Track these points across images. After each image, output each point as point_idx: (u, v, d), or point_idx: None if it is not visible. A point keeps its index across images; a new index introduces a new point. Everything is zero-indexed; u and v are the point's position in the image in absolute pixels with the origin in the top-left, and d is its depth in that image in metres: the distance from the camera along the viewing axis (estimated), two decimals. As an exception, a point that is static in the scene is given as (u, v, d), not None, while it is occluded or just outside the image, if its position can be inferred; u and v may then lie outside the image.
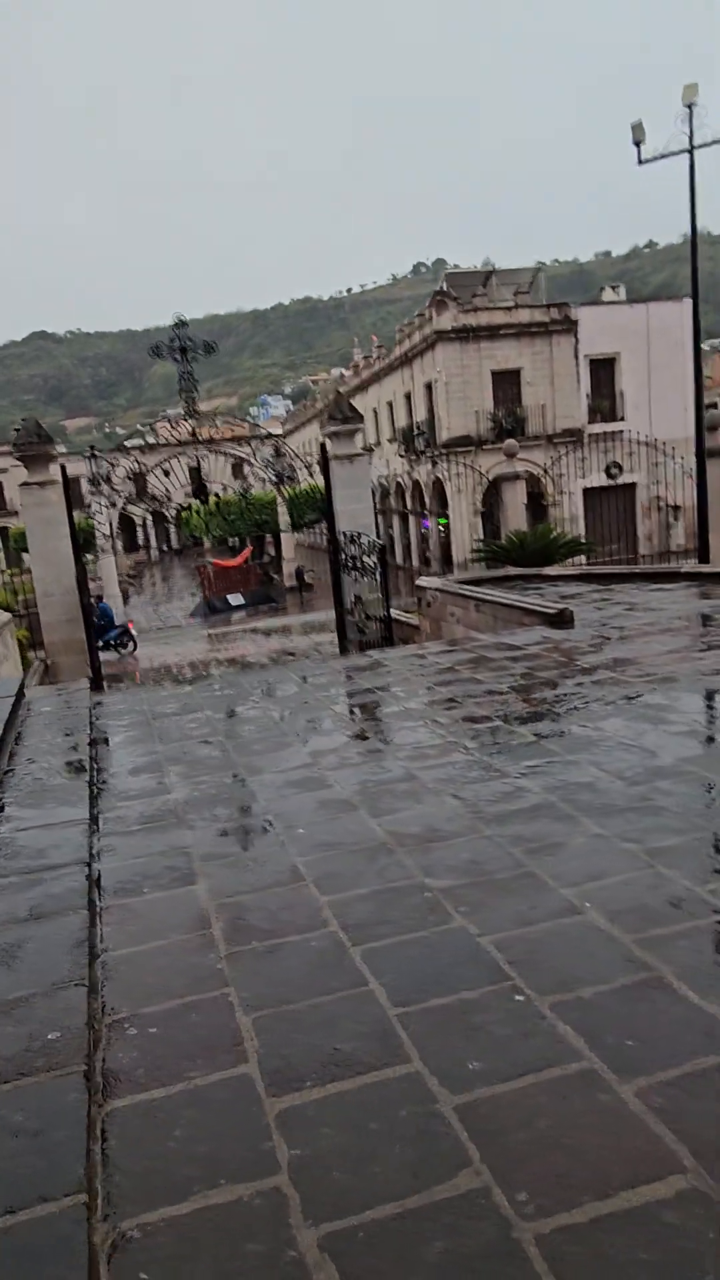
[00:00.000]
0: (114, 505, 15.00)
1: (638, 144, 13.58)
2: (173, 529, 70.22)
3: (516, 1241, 1.81)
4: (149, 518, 68.16)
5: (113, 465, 13.23)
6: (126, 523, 69.91)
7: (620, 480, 31.96)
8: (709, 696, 5.95)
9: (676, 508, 31.56)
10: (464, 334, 30.48)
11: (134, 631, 22.36)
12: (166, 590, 46.86)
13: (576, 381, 32.05)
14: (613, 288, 38.17)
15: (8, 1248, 1.82)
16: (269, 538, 43.03)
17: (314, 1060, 2.45)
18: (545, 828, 3.92)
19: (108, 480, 15.10)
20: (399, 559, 40.45)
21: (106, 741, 6.23)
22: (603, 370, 32.48)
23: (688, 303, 25.81)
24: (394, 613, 15.12)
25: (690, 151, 13.15)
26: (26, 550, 13.40)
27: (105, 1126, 2.25)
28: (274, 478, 16.33)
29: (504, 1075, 2.32)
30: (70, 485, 13.46)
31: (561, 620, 9.16)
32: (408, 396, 36.21)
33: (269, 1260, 1.81)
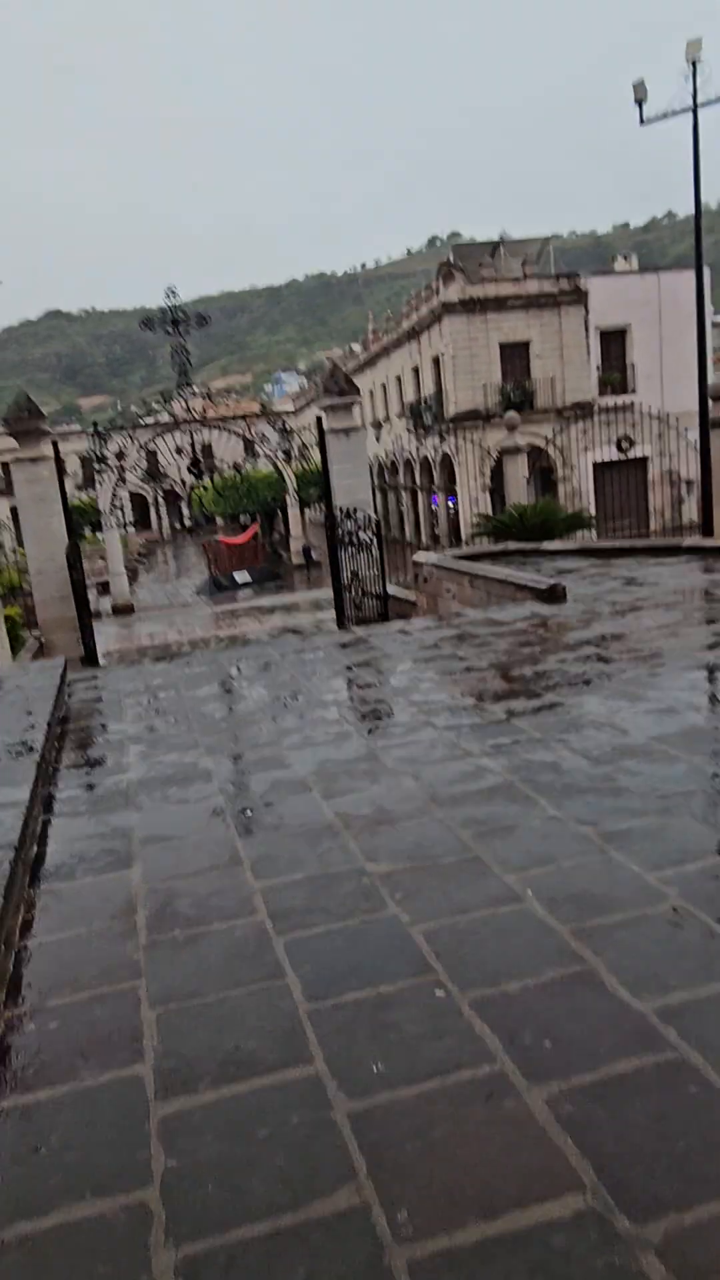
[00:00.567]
0: (124, 482, 14.81)
1: (639, 103, 13.12)
2: (185, 507, 70.02)
3: (387, 1269, 1.65)
4: (161, 496, 68.00)
5: (105, 441, 13.01)
6: (139, 501, 69.81)
7: (631, 454, 31.43)
8: (692, 673, 5.73)
9: (689, 482, 31.03)
10: (471, 306, 29.91)
11: None
12: (177, 568, 46.75)
13: (586, 354, 31.43)
14: (624, 257, 37.34)
15: None
16: (279, 515, 42.77)
17: (212, 1060, 2.30)
18: (500, 809, 3.74)
19: (119, 457, 14.89)
20: (409, 535, 40.11)
21: (71, 720, 6.09)
22: (613, 342, 31.84)
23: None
24: (392, 589, 14.93)
25: (694, 110, 12.68)
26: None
27: (-21, 1131, 2.11)
28: (281, 454, 16.12)
29: (407, 1079, 2.16)
30: (85, 463, 13.31)
31: (553, 595, 8.93)
32: (416, 371, 35.69)
33: (118, 1285, 1.67)
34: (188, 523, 70.43)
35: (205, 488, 45.74)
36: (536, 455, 30.93)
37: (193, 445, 13.55)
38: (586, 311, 31.03)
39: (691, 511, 31.00)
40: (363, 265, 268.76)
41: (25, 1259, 1.75)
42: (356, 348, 50.81)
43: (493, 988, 2.49)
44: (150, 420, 15.15)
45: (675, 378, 31.33)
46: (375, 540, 13.18)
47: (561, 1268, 1.62)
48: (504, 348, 30.67)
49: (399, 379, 38.64)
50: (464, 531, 30.22)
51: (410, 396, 36.78)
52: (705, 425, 13.23)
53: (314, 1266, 1.67)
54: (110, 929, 3.06)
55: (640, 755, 4.23)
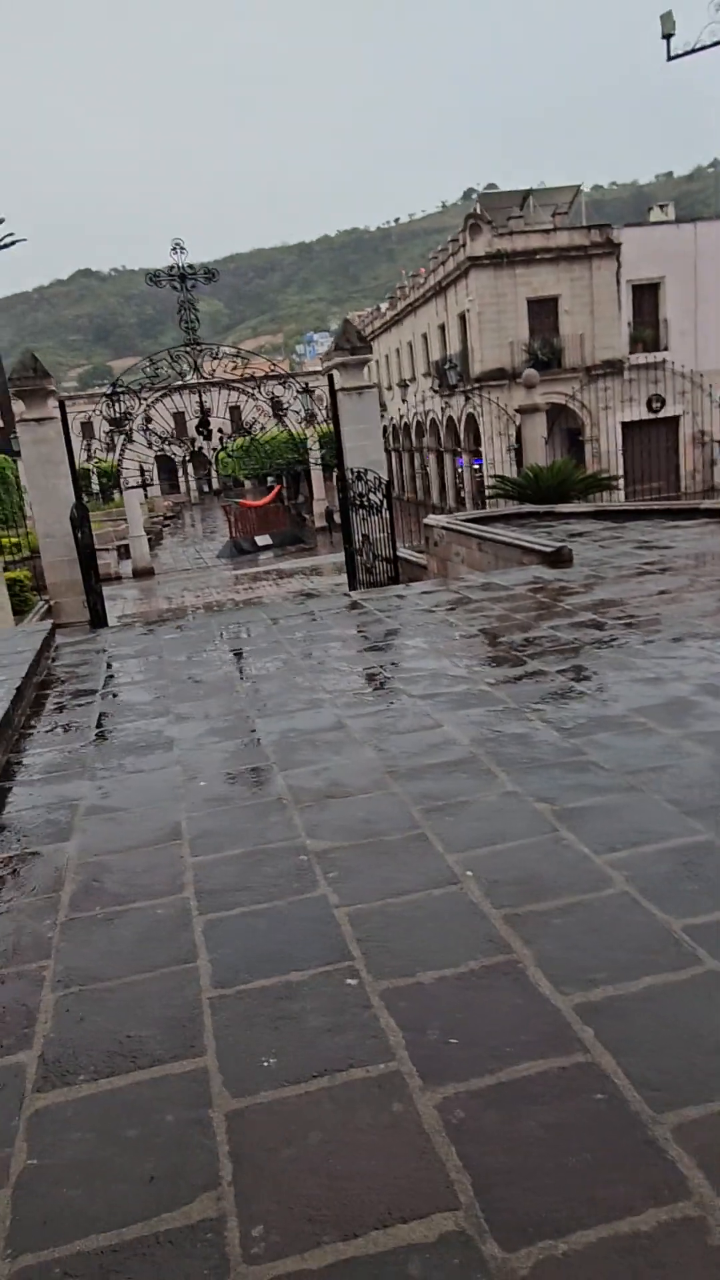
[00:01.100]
0: (132, 443, 14.63)
1: (667, 38, 12.43)
2: (213, 470, 69.78)
3: (227, 1291, 1.52)
4: (188, 459, 67.78)
5: (113, 402, 12.81)
6: (166, 464, 69.69)
7: (662, 414, 30.57)
8: (686, 641, 5.48)
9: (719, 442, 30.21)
10: (498, 260, 29.04)
11: None
12: (202, 531, 46.69)
13: (618, 309, 30.46)
14: (660, 207, 35.99)
15: None
16: (304, 477, 42.41)
17: (100, 1049, 2.18)
18: (457, 784, 3.57)
19: (127, 419, 14.72)
20: (434, 498, 39.59)
21: (52, 685, 6.00)
22: (646, 297, 30.81)
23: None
24: (403, 552, 14.67)
25: (725, 44, 11.98)
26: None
27: None
28: (304, 416, 15.81)
29: (296, 1076, 2.02)
30: (120, 422, 13.10)
31: (559, 559, 8.66)
32: (441, 328, 34.91)
33: (-57, 1299, 1.56)
34: (214, 485, 70.25)
35: (229, 451, 45.43)
36: (563, 415, 30.23)
37: (201, 407, 13.29)
38: (619, 264, 30.05)
39: (723, 473, 30.22)
40: (395, 220, 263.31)
41: None
42: (385, 306, 49.86)
43: (408, 978, 2.34)
44: (178, 382, 14.91)
45: (710, 334, 30.36)
46: (386, 502, 12.91)
47: (414, 1298, 1.48)
48: (532, 303, 29.84)
49: (425, 337, 37.90)
50: (489, 493, 29.73)
51: (436, 355, 36.05)
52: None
53: (150, 1287, 1.54)
54: (32, 904, 2.95)
55: (615, 728, 4.03)
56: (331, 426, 14.73)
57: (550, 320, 29.95)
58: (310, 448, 30.02)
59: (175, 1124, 1.92)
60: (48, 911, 2.88)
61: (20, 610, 13.04)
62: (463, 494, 36.15)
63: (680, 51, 12.44)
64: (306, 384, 16.15)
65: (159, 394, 13.04)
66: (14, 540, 21.76)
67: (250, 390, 13.63)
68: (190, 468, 71.41)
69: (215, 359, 13.38)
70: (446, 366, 33.43)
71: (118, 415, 14.51)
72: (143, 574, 25.65)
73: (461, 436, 34.80)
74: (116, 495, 33.92)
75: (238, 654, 6.46)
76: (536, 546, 9.07)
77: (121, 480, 18.47)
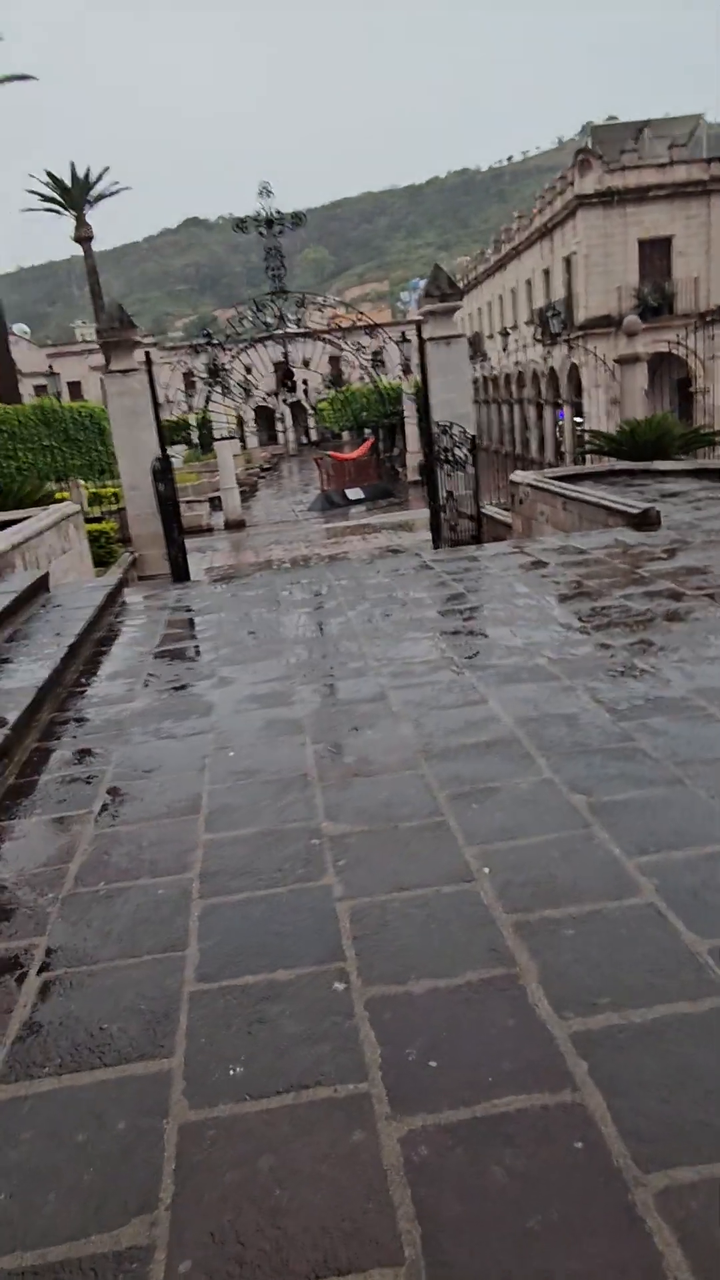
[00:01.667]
0: (245, 397, 14.54)
1: None
2: (309, 421, 69.58)
3: (136, 1334, 1.41)
4: (287, 410, 67.73)
5: (198, 354, 12.73)
6: (265, 415, 69.85)
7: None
8: (771, 615, 5.06)
9: None
10: (608, 198, 27.50)
11: None
12: (298, 483, 46.75)
13: (738, 250, 28.58)
14: (791, 136, 33.33)
15: None
16: (400, 430, 41.78)
17: (68, 1042, 2.10)
18: (490, 767, 3.36)
19: (221, 371, 14.64)
20: (533, 452, 38.44)
21: (111, 642, 6.01)
22: (770, 235, 28.75)
23: None
24: (489, 509, 14.25)
25: None
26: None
27: None
28: (400, 367, 15.47)
29: (260, 1089, 1.90)
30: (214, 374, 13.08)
31: (645, 521, 8.18)
32: (545, 273, 33.49)
33: None
34: (313, 436, 70.05)
35: (330, 403, 45.06)
36: (671, 365, 28.72)
37: (285, 358, 13.09)
38: (740, 201, 28.09)
39: None
40: (508, 158, 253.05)
41: None
42: (485, 250, 48.19)
43: (398, 985, 2.18)
44: (264, 333, 14.74)
45: None
46: (471, 458, 12.50)
47: None
48: (643, 245, 28.31)
49: (528, 283, 36.49)
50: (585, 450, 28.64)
51: (539, 302, 34.69)
52: None
53: (59, 1320, 1.45)
54: (39, 876, 2.91)
55: (672, 711, 3.72)
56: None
57: (662, 263, 28.36)
58: (406, 399, 29.44)
59: (126, 1132, 1.82)
60: (54, 884, 2.84)
61: (106, 562, 13.28)
62: (562, 448, 34.97)
63: None
64: (404, 333, 15.75)
65: (241, 346, 12.89)
66: (113, 490, 22.20)
67: (336, 340, 13.32)
68: (289, 419, 71.40)
69: (310, 308, 13.08)
70: (549, 314, 32.15)
71: (206, 366, 14.48)
72: (234, 526, 25.81)
73: (563, 387, 33.54)
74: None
75: (295, 616, 6.33)
76: (621, 507, 8.59)
77: (210, 431, 18.48)
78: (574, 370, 31.19)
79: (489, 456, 40.11)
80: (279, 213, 12.66)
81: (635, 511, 8.25)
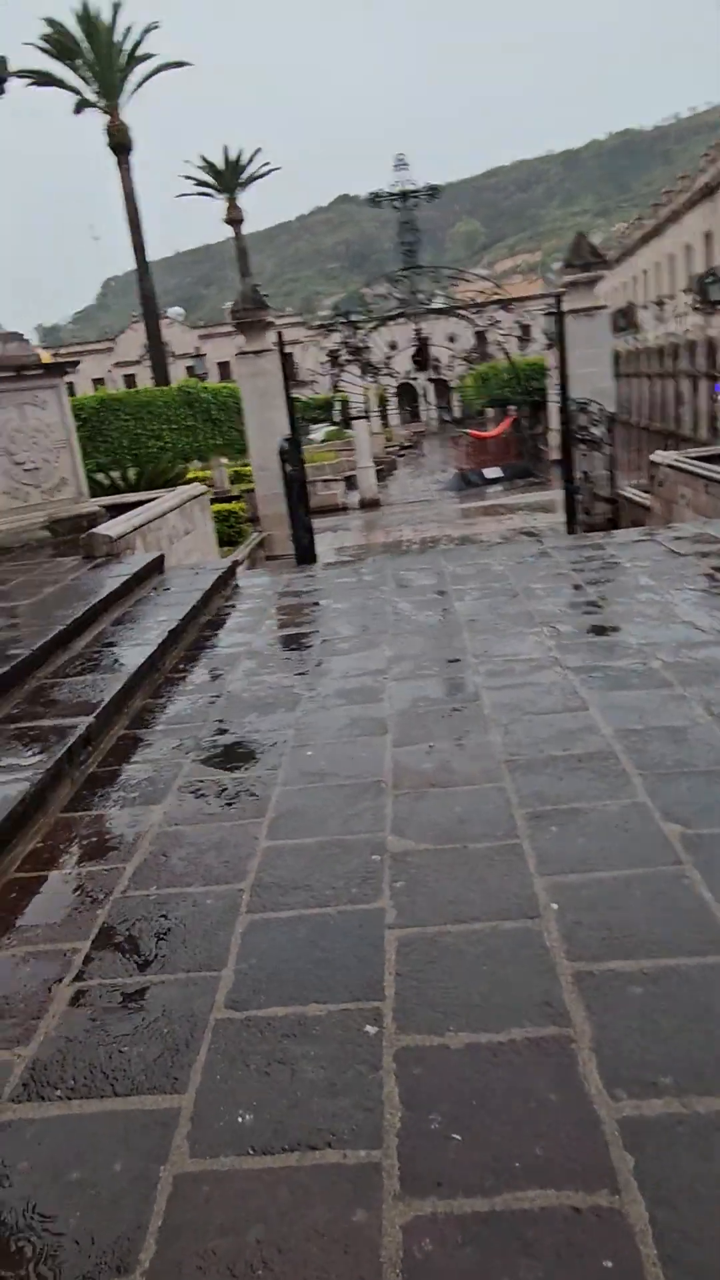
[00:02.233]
0: (374, 375, 14.39)
1: None
2: (455, 398, 68.57)
3: None
4: (430, 387, 67.00)
5: (329, 333, 12.62)
6: (408, 392, 69.36)
7: None
8: None
9: None
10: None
11: None
12: (439, 461, 46.27)
13: None
14: None
15: None
16: (544, 406, 40.47)
17: (84, 1064, 2.02)
18: (578, 784, 3.07)
19: (347, 350, 14.52)
20: (687, 430, 36.35)
21: (217, 627, 6.01)
22: None
23: None
24: (629, 491, 13.51)
25: None
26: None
27: None
28: (545, 340, 14.91)
29: (266, 1144, 1.74)
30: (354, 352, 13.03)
31: None
32: (707, 236, 31.42)
33: None
34: (455, 414, 69.07)
35: (472, 380, 44.19)
36: None
37: (418, 334, 12.80)
38: None
39: None
40: (675, 116, 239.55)
41: None
42: (641, 216, 45.77)
43: (435, 1036, 1.98)
44: (395, 310, 14.50)
45: None
46: (609, 437, 11.86)
47: None
48: None
49: (687, 247, 34.40)
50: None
51: (699, 268, 32.61)
52: None
53: None
54: (96, 873, 2.87)
55: None
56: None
57: None
58: (550, 374, 28.37)
59: (120, 1175, 1.71)
60: (111, 884, 2.78)
61: (234, 541, 13.47)
62: (717, 424, 32.91)
63: None
64: (551, 305, 15.12)
65: (373, 325, 12.68)
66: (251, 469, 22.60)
67: (470, 315, 12.91)
68: (432, 396, 70.63)
69: (448, 283, 12.74)
70: (709, 280, 30.17)
71: (341, 345, 14.37)
72: (369, 505, 25.76)
73: (721, 359, 31.48)
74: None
75: (401, 604, 6.13)
76: (770, 491, 7.88)
77: (347, 410, 18.42)
78: (734, 341, 29.19)
79: (637, 433, 38.36)
80: (413, 184, 12.32)
81: (784, 497, 7.55)
